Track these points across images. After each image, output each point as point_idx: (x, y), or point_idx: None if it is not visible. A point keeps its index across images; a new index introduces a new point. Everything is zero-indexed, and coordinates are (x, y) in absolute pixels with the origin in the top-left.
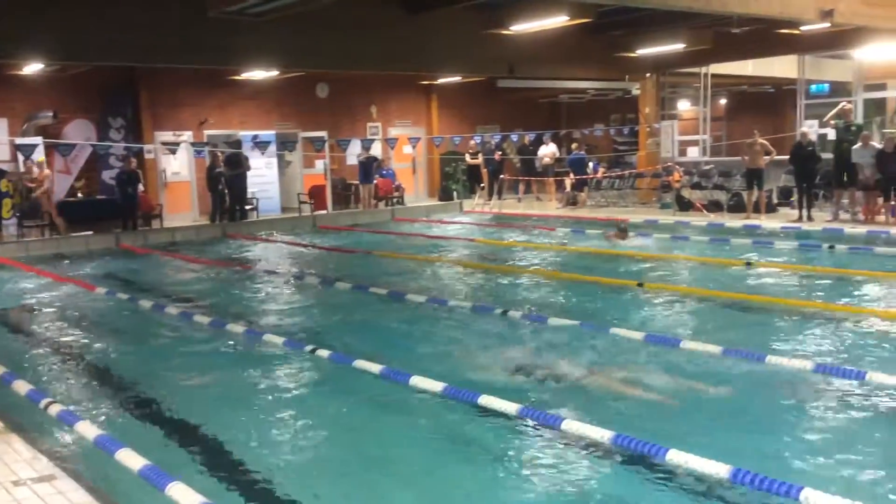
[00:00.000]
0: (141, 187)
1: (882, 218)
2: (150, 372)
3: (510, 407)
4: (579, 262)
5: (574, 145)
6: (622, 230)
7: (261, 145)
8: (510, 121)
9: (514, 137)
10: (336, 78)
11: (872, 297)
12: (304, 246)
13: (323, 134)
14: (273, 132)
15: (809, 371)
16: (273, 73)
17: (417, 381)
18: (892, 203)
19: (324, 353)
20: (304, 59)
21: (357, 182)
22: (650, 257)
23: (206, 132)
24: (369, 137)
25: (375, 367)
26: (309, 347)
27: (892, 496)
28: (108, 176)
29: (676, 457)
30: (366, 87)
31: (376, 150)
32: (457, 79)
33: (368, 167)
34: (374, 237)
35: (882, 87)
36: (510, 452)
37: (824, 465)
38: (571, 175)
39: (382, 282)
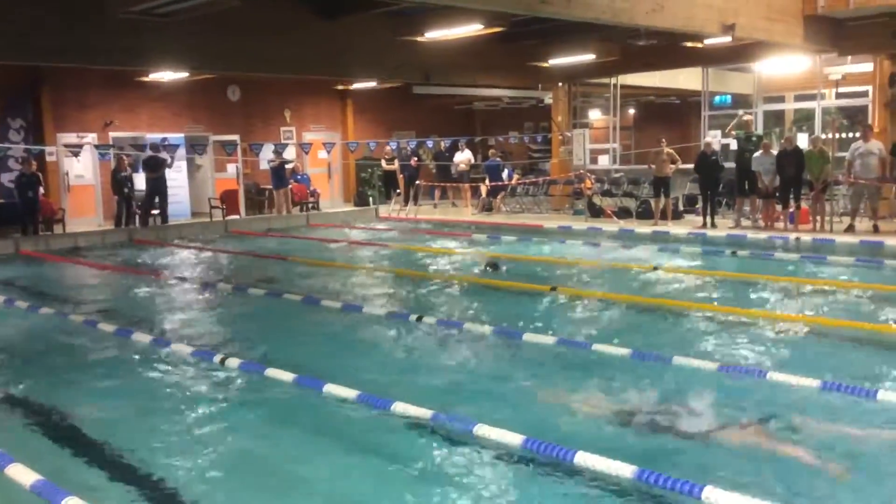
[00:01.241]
0: (42, 191)
1: (781, 224)
2: (49, 383)
3: (424, 413)
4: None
5: (491, 152)
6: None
7: (169, 148)
8: (426, 127)
9: (430, 143)
10: (248, 81)
11: (772, 299)
12: (216, 251)
13: (235, 137)
14: (182, 135)
15: (713, 372)
16: (182, 75)
17: (331, 388)
18: (790, 210)
19: (234, 361)
20: (213, 61)
21: (271, 187)
22: (564, 262)
23: (112, 134)
24: (283, 142)
25: (288, 376)
26: (219, 357)
27: (787, 490)
28: (6, 179)
29: (584, 459)
30: (280, 90)
31: (290, 154)
32: (372, 84)
33: (281, 172)
34: (288, 243)
35: (781, 99)
36: (424, 459)
37: (727, 463)
38: (487, 181)
39: (297, 288)
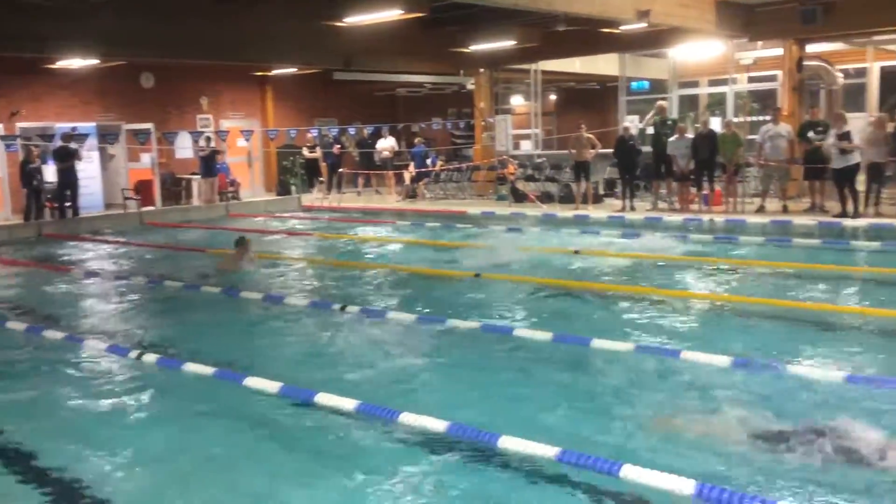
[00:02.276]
0: None
1: (696, 206)
2: None
3: (348, 403)
4: (419, 255)
5: (417, 139)
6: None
7: (78, 138)
8: (348, 114)
9: (352, 131)
10: (162, 67)
11: (688, 280)
12: (130, 244)
13: (149, 126)
14: (93, 124)
15: (631, 352)
16: (92, 62)
17: (253, 381)
18: (705, 192)
19: (151, 357)
20: (124, 47)
21: (188, 176)
22: (488, 248)
23: (19, 125)
24: (200, 130)
25: (208, 370)
26: (135, 352)
27: (707, 467)
28: None
29: (507, 442)
30: (196, 77)
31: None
32: (292, 70)
33: (210, 161)
34: (207, 234)
35: (695, 84)
36: (349, 449)
37: (642, 440)
38: (411, 168)
39: (216, 280)
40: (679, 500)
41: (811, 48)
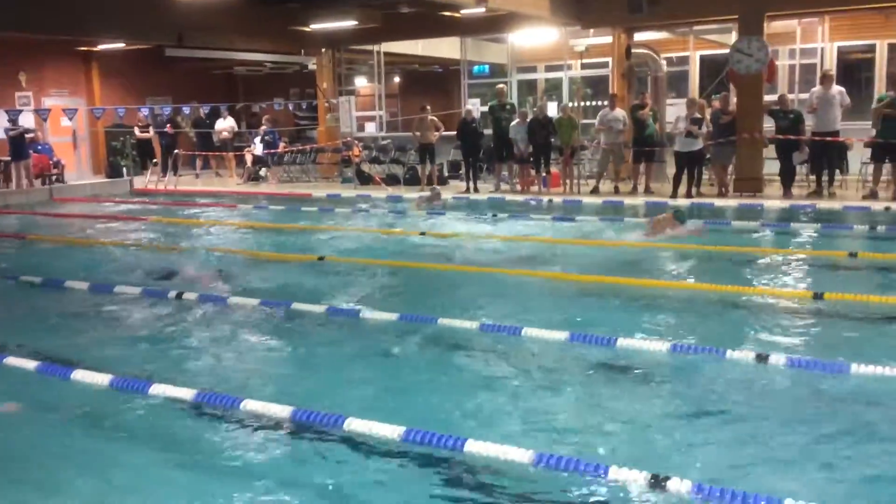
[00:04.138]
0: None
1: (535, 188)
2: None
3: (186, 393)
4: (262, 239)
5: (266, 117)
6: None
7: None
8: (183, 92)
9: (187, 110)
10: None
11: (529, 258)
12: None
13: None
14: None
15: (475, 331)
16: None
17: (81, 374)
18: (543, 174)
19: None
20: None
21: (7, 158)
22: (332, 230)
23: None
24: (18, 108)
25: (30, 364)
26: None
27: (553, 441)
28: None
29: (355, 425)
30: (13, 51)
31: (28, 121)
32: (120, 46)
33: (20, 142)
34: (27, 219)
35: (533, 69)
36: (190, 440)
37: (487, 415)
38: (252, 149)
39: (36, 269)
40: (518, 467)
41: (639, 37)
